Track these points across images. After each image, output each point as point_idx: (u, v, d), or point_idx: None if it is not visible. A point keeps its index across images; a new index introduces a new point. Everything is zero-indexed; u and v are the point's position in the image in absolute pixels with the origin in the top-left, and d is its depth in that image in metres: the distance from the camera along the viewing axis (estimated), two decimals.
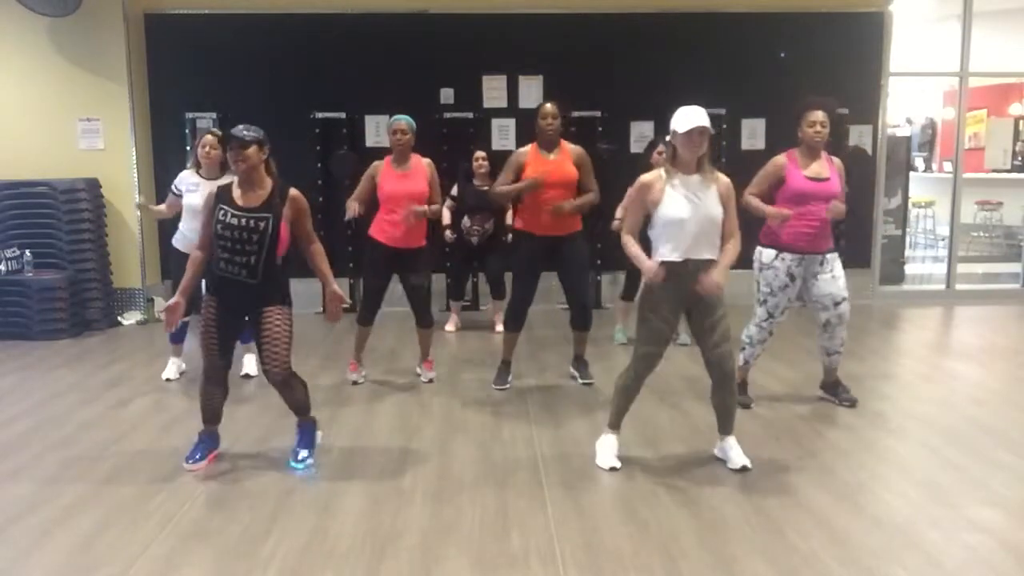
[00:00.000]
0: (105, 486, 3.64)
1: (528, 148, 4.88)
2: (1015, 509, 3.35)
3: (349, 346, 6.22)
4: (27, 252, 6.68)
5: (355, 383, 5.23)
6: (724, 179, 3.67)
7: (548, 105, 4.80)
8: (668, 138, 3.66)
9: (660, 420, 4.45)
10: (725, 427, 3.84)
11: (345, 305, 3.83)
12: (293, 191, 3.72)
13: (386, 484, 3.64)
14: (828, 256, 4.51)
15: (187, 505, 3.42)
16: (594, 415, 4.56)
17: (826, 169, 4.45)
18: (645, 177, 3.69)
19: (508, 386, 5.13)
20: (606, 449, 3.85)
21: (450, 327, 6.84)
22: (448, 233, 6.57)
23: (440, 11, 7.46)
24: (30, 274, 6.64)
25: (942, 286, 8.35)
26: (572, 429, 4.35)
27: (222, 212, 3.60)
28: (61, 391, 5.13)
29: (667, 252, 3.61)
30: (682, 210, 3.55)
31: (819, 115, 4.37)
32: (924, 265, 10.34)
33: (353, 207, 4.93)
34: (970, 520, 3.25)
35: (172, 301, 3.72)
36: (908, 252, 9.79)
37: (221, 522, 3.27)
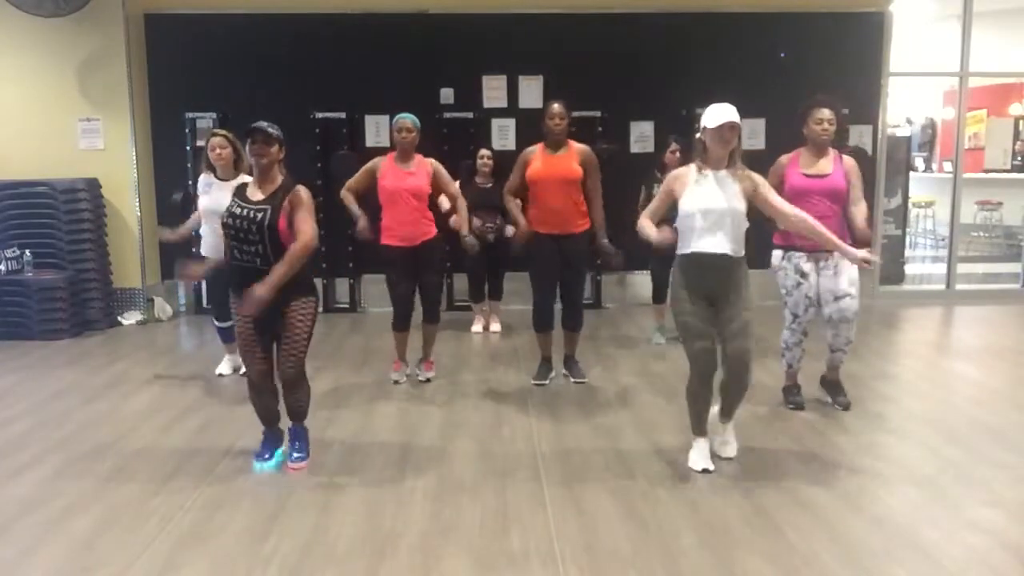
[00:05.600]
0: (105, 486, 3.64)
1: (536, 148, 4.90)
2: (1015, 509, 3.35)
3: (350, 348, 6.27)
4: (27, 252, 6.67)
5: (396, 382, 5.21)
6: (752, 177, 3.68)
7: (555, 105, 4.81)
8: (699, 134, 3.69)
9: (661, 420, 4.45)
10: (726, 412, 3.86)
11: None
12: (298, 187, 3.70)
13: (386, 484, 3.64)
14: (836, 253, 4.48)
15: (187, 505, 3.42)
16: (594, 414, 4.57)
17: (830, 166, 4.41)
18: (678, 170, 3.83)
19: (546, 382, 5.15)
20: (694, 453, 3.82)
21: (477, 327, 6.75)
22: (470, 240, 5.83)
23: (440, 11, 7.46)
24: (30, 274, 6.64)
25: (942, 286, 8.34)
26: (572, 428, 4.35)
27: (232, 203, 3.71)
28: (61, 391, 5.13)
29: (685, 244, 3.68)
30: (695, 204, 3.60)
31: (825, 113, 4.36)
32: (924, 265, 10.33)
33: (364, 227, 4.89)
34: (970, 520, 3.25)
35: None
36: (908, 252, 9.79)
37: (221, 522, 3.28)
